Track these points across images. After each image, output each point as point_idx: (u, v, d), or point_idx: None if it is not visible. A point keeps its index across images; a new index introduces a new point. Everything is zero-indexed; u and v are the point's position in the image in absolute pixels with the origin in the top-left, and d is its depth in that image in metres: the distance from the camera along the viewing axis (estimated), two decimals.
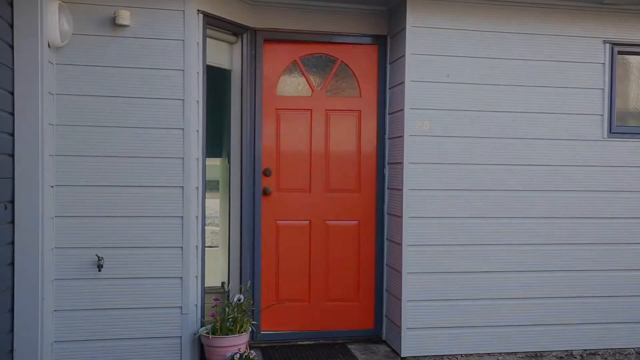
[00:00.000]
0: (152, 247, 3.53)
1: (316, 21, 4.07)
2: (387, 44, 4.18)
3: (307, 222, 4.27)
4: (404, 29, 3.84)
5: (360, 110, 4.34)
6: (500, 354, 3.98)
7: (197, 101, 3.60)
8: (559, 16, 3.97)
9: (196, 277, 3.62)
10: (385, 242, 4.19)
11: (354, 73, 4.30)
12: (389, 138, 4.16)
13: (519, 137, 3.95)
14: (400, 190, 3.86)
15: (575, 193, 4.03)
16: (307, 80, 4.28)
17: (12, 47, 3.04)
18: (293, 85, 4.30)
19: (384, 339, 4.24)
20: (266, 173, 4.18)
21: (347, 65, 4.28)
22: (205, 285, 3.76)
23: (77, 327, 3.46)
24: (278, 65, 4.21)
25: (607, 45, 4.03)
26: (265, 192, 4.17)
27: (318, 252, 4.27)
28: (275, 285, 4.22)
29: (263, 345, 4.06)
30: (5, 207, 2.99)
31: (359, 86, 4.31)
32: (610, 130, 4.05)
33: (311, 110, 4.27)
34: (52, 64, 3.35)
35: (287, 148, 4.23)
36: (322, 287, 4.27)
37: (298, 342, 4.15)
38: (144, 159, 3.51)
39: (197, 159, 3.61)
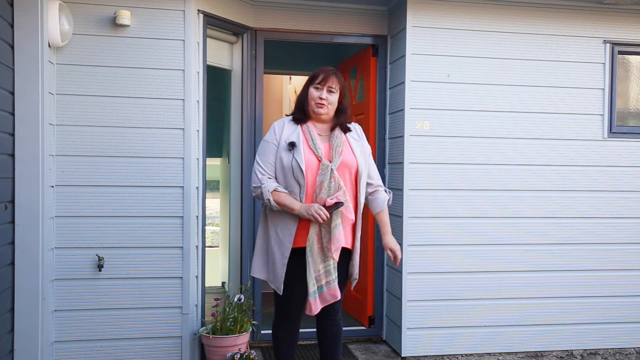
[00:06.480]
0: (153, 247, 3.53)
1: (316, 21, 4.07)
2: (387, 44, 4.18)
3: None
4: (404, 29, 3.84)
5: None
6: (500, 353, 3.98)
7: (198, 101, 3.60)
8: (559, 16, 3.97)
9: (196, 277, 3.61)
10: None
11: None
12: (389, 138, 4.16)
13: (519, 137, 3.95)
14: (401, 190, 3.86)
15: (575, 193, 4.03)
16: None
17: (12, 47, 3.04)
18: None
19: (384, 339, 4.24)
20: None
21: None
22: (206, 285, 3.76)
23: (77, 327, 3.46)
24: None
25: (608, 45, 4.03)
26: None
27: None
28: None
29: (263, 345, 4.06)
30: (6, 207, 2.98)
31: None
32: (610, 130, 4.05)
33: None
34: (53, 63, 3.35)
35: None
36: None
37: (298, 342, 4.13)
38: (144, 159, 3.51)
39: (197, 159, 3.61)
